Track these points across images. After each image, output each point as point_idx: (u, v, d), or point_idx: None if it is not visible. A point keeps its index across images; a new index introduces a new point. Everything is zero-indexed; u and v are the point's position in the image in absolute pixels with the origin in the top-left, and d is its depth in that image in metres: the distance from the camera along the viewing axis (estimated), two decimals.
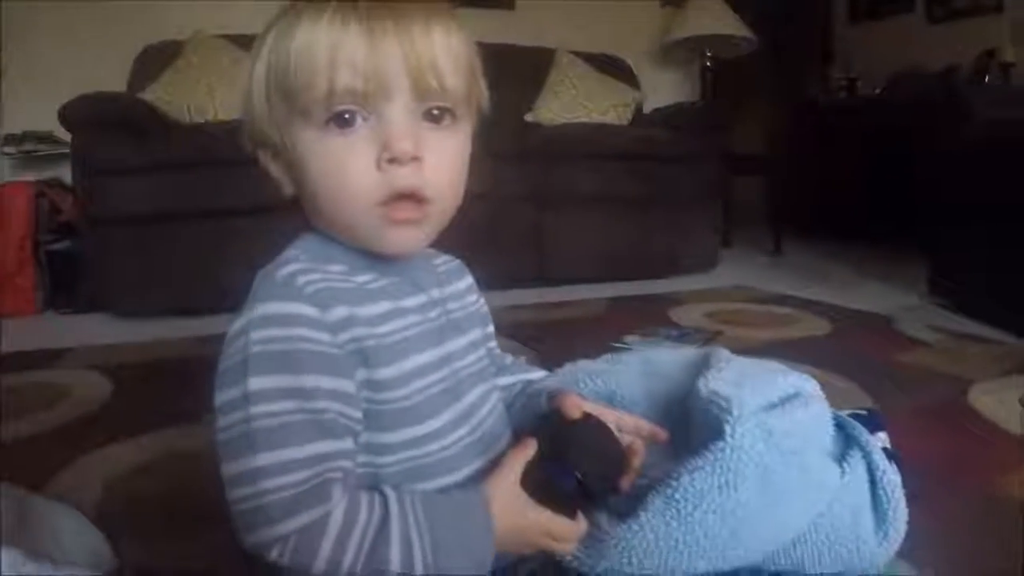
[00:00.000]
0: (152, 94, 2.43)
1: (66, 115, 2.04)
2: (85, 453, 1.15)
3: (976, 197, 2.08)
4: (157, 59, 2.57)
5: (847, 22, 4.72)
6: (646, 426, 0.69)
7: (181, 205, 2.17)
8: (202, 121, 2.42)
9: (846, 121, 4.11)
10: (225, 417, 0.50)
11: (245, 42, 2.54)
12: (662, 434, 0.68)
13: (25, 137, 2.58)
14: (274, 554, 0.48)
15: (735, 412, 0.62)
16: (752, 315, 2.21)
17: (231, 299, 2.29)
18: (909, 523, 0.73)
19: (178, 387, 1.51)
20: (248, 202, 2.13)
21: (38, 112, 2.52)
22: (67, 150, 2.35)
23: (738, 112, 4.13)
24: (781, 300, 2.42)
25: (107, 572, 0.80)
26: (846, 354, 1.72)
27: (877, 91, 4.16)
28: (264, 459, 0.48)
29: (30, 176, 2.54)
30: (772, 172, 4.05)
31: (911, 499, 0.74)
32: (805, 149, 4.27)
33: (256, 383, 0.50)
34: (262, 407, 0.49)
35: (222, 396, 0.51)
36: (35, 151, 2.57)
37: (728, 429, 0.61)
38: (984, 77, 3.54)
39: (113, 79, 2.51)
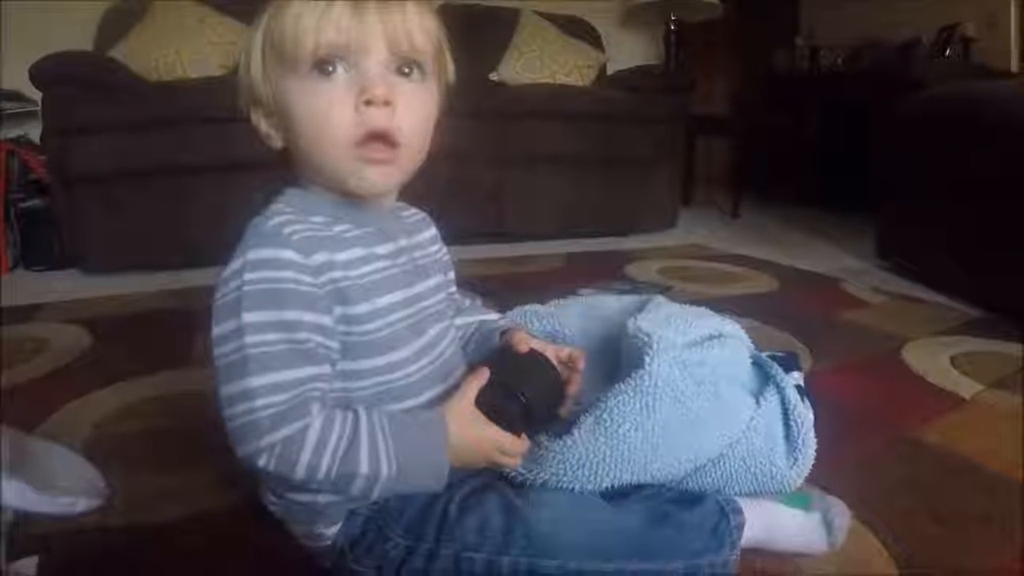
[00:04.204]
0: (120, 53, 2.42)
1: (36, 74, 2.03)
2: (71, 399, 1.20)
3: (924, 168, 2.12)
4: (122, 19, 2.53)
5: None
6: (566, 351, 0.78)
7: (150, 162, 2.18)
8: (170, 79, 2.41)
9: (807, 90, 4.17)
10: (222, 346, 0.58)
11: (210, 1, 2.54)
12: (580, 357, 0.78)
13: None
14: (262, 462, 0.56)
15: (655, 346, 0.72)
16: (704, 272, 2.27)
17: (199, 254, 2.32)
18: (831, 460, 0.80)
19: (154, 337, 1.56)
20: (216, 159, 2.19)
21: (5, 71, 2.51)
22: (35, 108, 2.34)
23: (702, 73, 4.15)
24: (734, 259, 2.49)
25: (102, 501, 0.89)
26: (790, 310, 1.78)
27: (839, 61, 4.19)
28: (255, 381, 0.56)
29: None
30: (734, 135, 4.13)
31: (834, 440, 0.81)
32: (766, 115, 4.33)
33: (249, 317, 0.57)
34: (254, 337, 0.57)
35: (219, 328, 0.59)
36: (3, 110, 2.53)
37: (647, 360, 0.71)
38: (945, 51, 3.55)
39: (79, 38, 2.50)
